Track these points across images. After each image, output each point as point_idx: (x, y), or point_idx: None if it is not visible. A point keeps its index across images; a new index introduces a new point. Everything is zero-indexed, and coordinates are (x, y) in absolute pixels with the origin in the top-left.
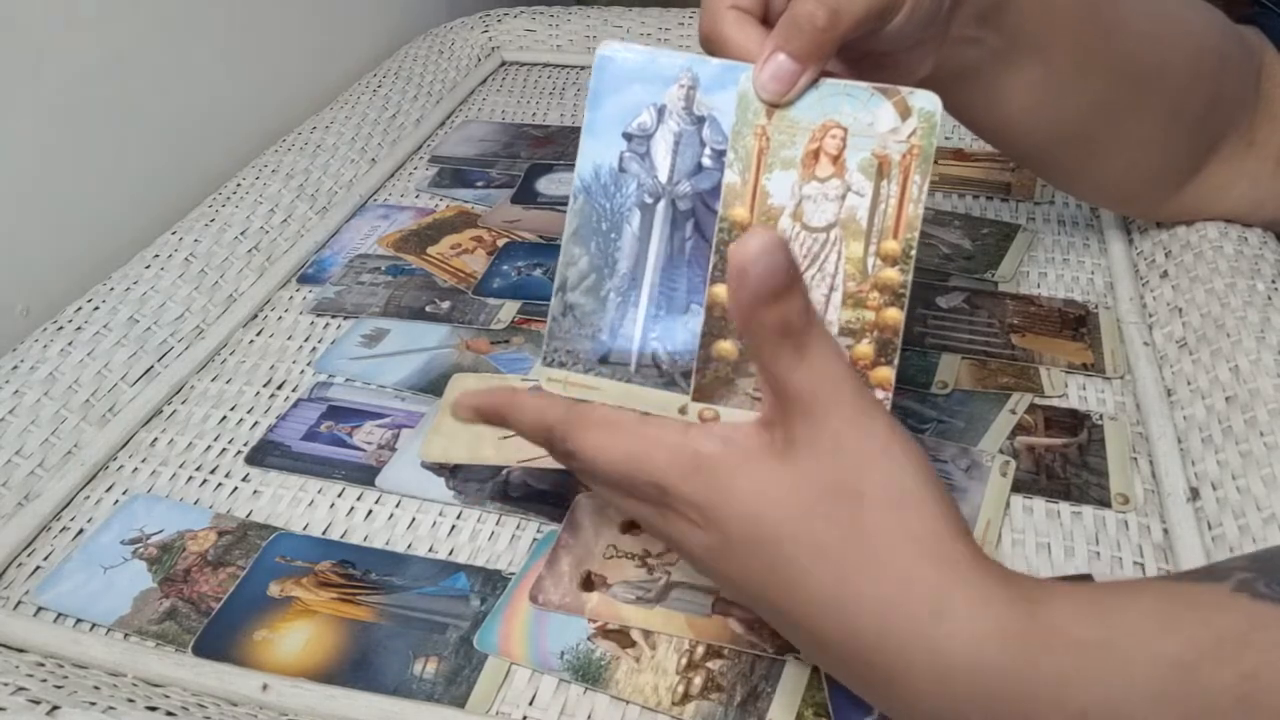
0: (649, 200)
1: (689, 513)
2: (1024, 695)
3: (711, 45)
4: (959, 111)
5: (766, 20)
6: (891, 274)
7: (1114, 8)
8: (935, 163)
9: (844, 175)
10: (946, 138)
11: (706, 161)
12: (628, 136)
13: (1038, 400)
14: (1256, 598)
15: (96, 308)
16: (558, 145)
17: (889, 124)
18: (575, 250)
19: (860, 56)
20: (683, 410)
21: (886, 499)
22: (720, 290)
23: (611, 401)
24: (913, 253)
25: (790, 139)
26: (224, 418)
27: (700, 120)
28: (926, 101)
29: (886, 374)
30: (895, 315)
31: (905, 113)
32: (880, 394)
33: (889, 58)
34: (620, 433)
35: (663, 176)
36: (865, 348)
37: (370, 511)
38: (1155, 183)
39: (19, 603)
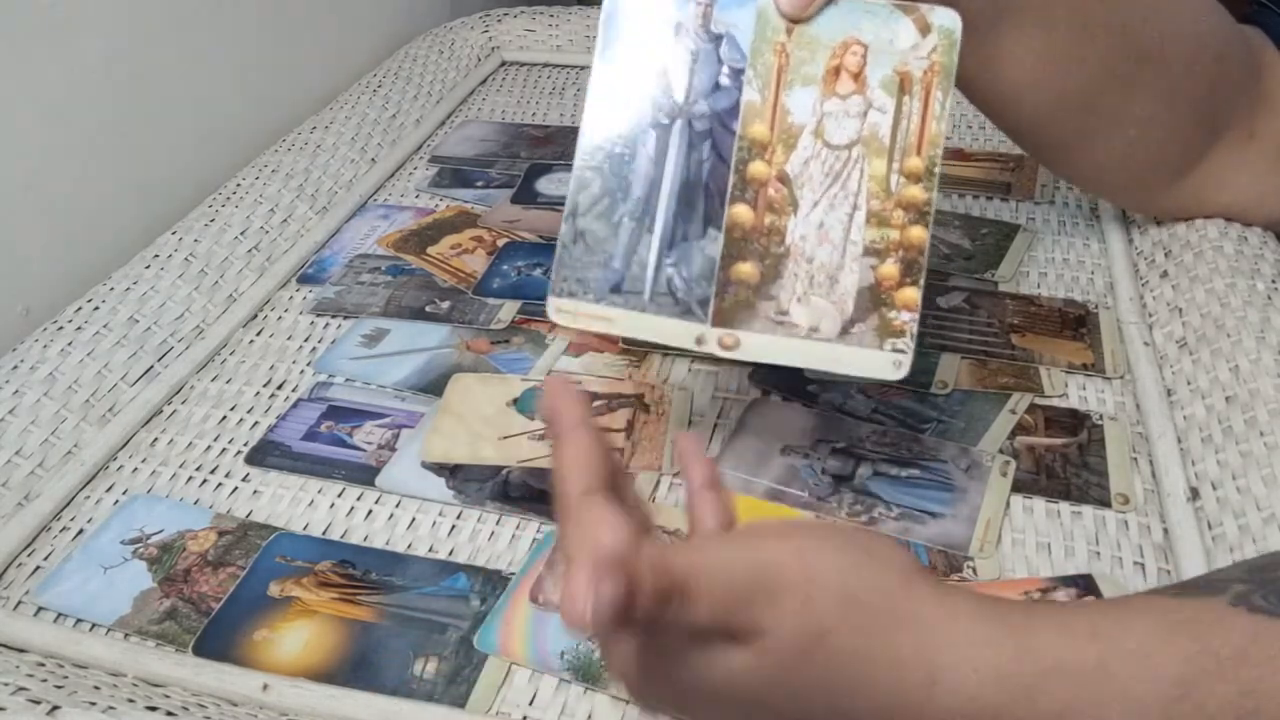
0: (665, 121)
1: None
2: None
3: None
4: (958, 75)
5: None
6: (916, 191)
7: None
8: None
9: (865, 92)
10: (947, 138)
11: (724, 80)
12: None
13: (1038, 400)
14: (1254, 611)
15: (96, 308)
16: (558, 145)
17: (909, 40)
18: (587, 173)
19: None
20: (700, 339)
21: (848, 618)
22: (740, 211)
23: (624, 331)
24: (936, 170)
25: (811, 55)
26: (224, 418)
27: (718, 38)
28: (946, 18)
29: (913, 294)
30: (920, 234)
31: (925, 29)
32: (906, 315)
33: None
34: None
35: (679, 96)
36: (890, 267)
37: (370, 511)
38: (1154, 167)
39: (19, 603)
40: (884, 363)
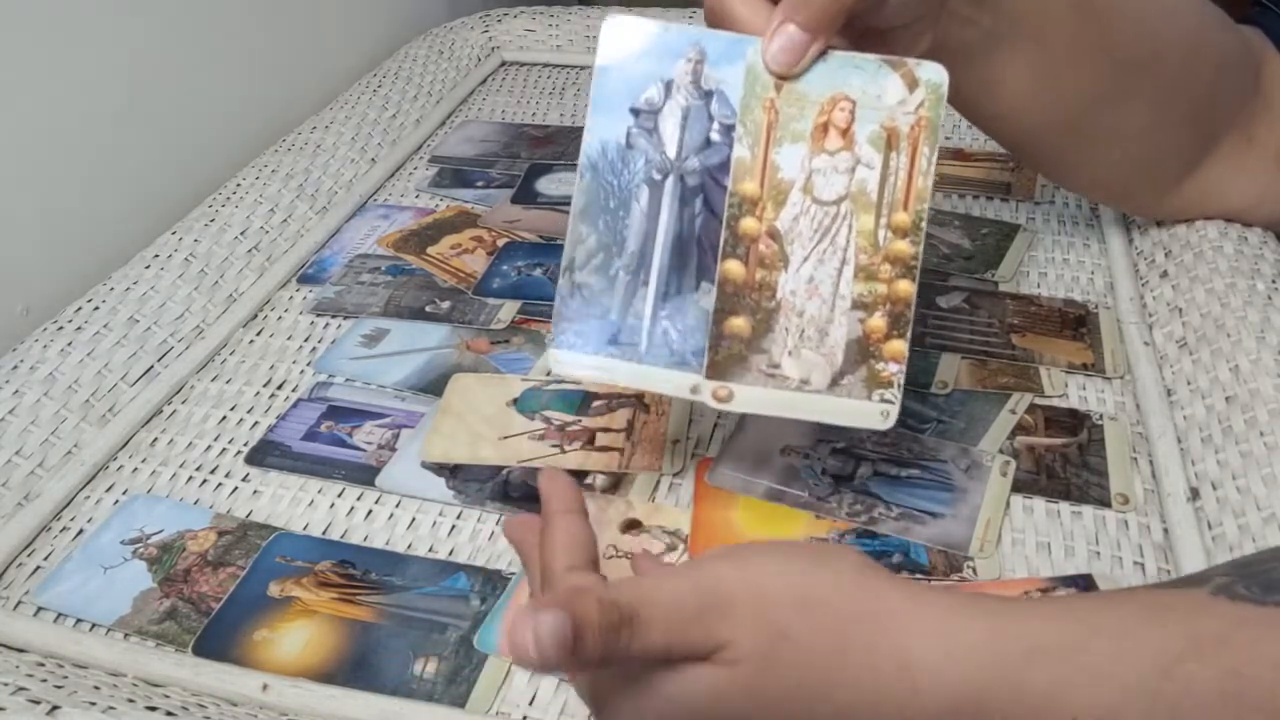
0: (657, 177)
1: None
2: (1017, 715)
3: (717, 18)
4: (954, 96)
5: None
6: (903, 246)
7: (1112, 3)
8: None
9: (853, 148)
10: (947, 138)
11: (715, 136)
12: (635, 112)
13: (1038, 400)
14: (1235, 599)
15: (96, 308)
16: (558, 145)
17: (897, 96)
18: (583, 229)
19: (858, 34)
20: (694, 389)
21: (808, 620)
22: (732, 266)
23: (623, 382)
24: (923, 225)
25: (799, 112)
26: (224, 418)
27: (708, 94)
28: (933, 73)
29: (899, 347)
30: (907, 288)
31: (913, 84)
32: (894, 367)
33: (885, 35)
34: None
35: (671, 152)
36: (878, 321)
37: (370, 511)
38: (1153, 176)
39: (19, 603)
40: (872, 413)
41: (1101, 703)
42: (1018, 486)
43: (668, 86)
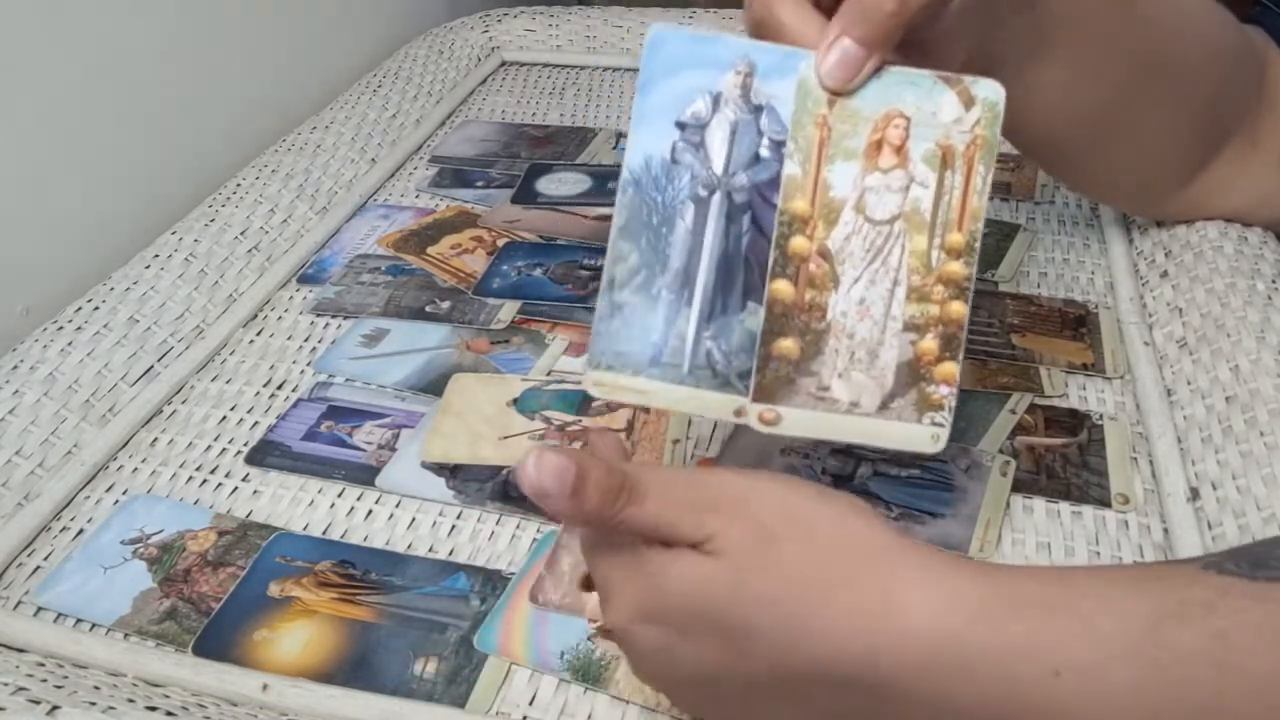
0: (703, 193)
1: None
2: (999, 660)
3: (765, 30)
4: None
5: (817, 5)
6: (956, 267)
7: (1140, 5)
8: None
9: (907, 166)
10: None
11: (764, 152)
12: (681, 125)
13: (1038, 400)
14: (1223, 573)
15: (96, 308)
16: (558, 145)
17: (953, 114)
18: (624, 246)
19: (903, 44)
20: (739, 412)
21: (796, 532)
22: (781, 286)
23: (661, 404)
24: (976, 245)
25: (853, 128)
26: (224, 418)
27: (758, 109)
28: (990, 91)
29: (951, 369)
30: (960, 309)
31: (969, 102)
32: (945, 389)
33: (925, 45)
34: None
35: (718, 168)
36: (929, 343)
37: (370, 511)
38: (1163, 177)
39: (19, 603)
40: (923, 436)
41: (1085, 658)
42: (1018, 486)
43: (716, 100)
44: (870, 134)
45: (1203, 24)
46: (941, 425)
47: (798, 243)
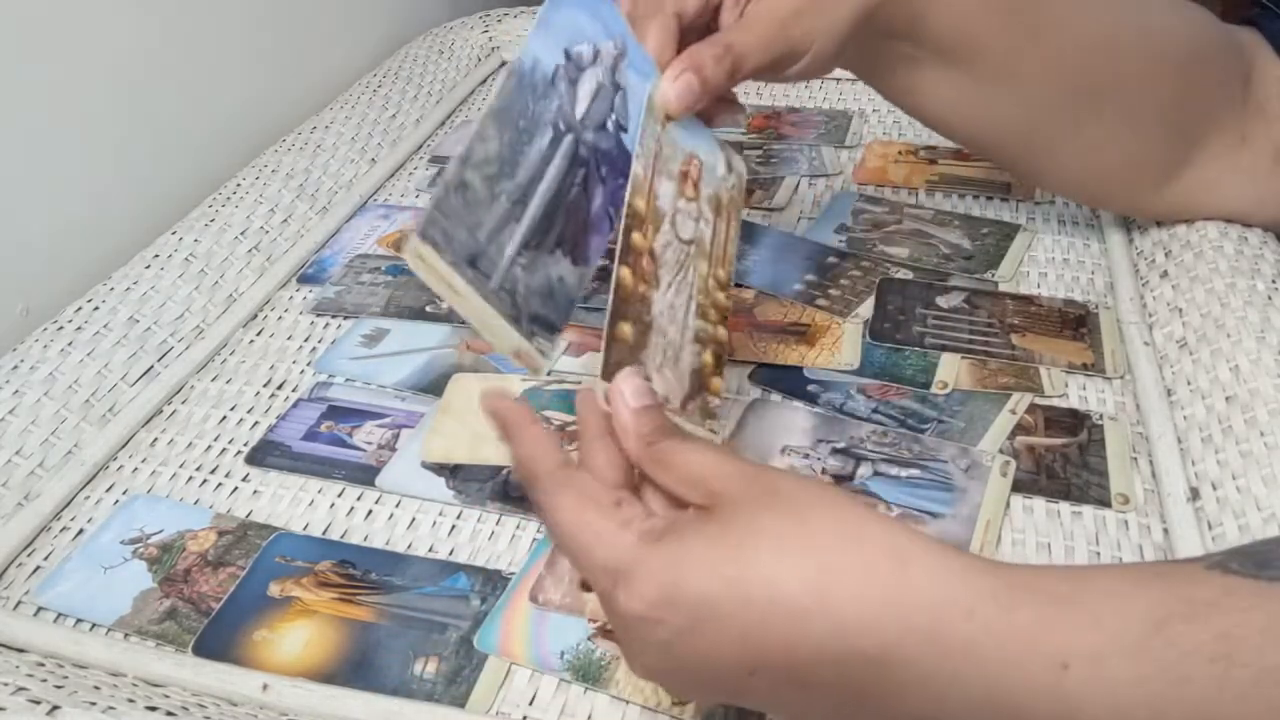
0: (561, 128)
1: (640, 608)
2: (1005, 645)
3: (634, 31)
4: (884, 95)
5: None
6: (720, 296)
7: (1060, 31)
8: (935, 163)
9: (699, 201)
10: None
11: (609, 126)
12: (567, 55)
13: (1038, 400)
14: (1228, 573)
15: (96, 308)
16: None
17: (723, 172)
18: (490, 129)
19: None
20: (517, 354)
21: (815, 499)
22: (625, 273)
23: (461, 310)
24: (730, 284)
25: (673, 154)
26: (224, 418)
27: (618, 88)
28: (740, 165)
29: (719, 384)
30: (724, 334)
31: (729, 168)
32: (716, 401)
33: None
34: (591, 509)
35: (578, 113)
36: (709, 357)
37: (370, 511)
38: (1130, 177)
39: (19, 603)
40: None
41: (1091, 651)
42: (1018, 486)
43: (595, 55)
44: (680, 165)
45: (1141, 31)
46: (716, 433)
47: (636, 238)
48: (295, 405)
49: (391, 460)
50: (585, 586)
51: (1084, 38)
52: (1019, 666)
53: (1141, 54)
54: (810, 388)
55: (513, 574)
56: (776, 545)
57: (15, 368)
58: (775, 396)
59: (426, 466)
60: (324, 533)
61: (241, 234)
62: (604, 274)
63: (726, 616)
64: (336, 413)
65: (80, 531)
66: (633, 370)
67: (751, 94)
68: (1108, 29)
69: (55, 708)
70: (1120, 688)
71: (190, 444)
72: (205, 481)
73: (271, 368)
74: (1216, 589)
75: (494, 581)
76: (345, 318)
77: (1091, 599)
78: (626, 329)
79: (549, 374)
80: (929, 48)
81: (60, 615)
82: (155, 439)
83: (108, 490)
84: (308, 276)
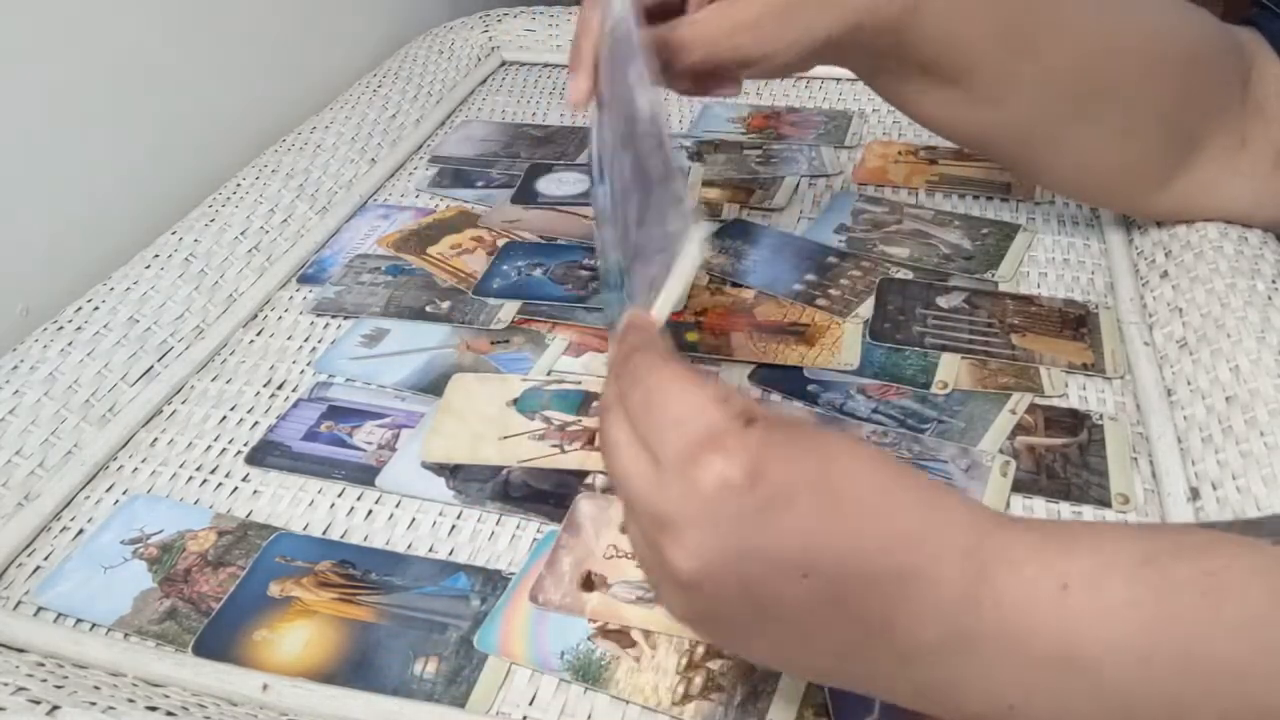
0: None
1: (730, 474)
2: (1016, 564)
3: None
4: (892, 104)
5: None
6: None
7: (1053, 40)
8: (935, 163)
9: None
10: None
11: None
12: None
13: (1038, 400)
14: (1215, 530)
15: (96, 308)
16: (558, 145)
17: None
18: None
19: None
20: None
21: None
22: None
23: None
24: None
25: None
26: (224, 418)
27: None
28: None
29: None
30: None
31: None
32: None
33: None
34: (694, 381)
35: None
36: None
37: (370, 511)
38: (1127, 180)
39: (19, 603)
40: None
41: (1089, 573)
42: (1018, 486)
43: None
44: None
45: (1136, 34)
46: None
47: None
48: (295, 405)
49: (391, 460)
50: (586, 586)
51: (1082, 45)
52: (1026, 584)
53: (1140, 56)
54: (810, 388)
55: (513, 574)
56: (853, 450)
57: (15, 368)
58: (775, 397)
59: (426, 466)
60: (324, 533)
61: (241, 234)
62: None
63: (803, 504)
64: (336, 413)
65: (80, 531)
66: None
67: (752, 94)
68: (1106, 33)
69: (55, 708)
70: (1116, 610)
71: (190, 444)
72: (205, 481)
73: (271, 368)
74: (1204, 538)
75: (494, 581)
76: (345, 318)
77: (1087, 535)
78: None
79: (549, 374)
80: (917, 68)
81: (60, 615)
82: (155, 439)
83: (108, 490)
84: (308, 276)
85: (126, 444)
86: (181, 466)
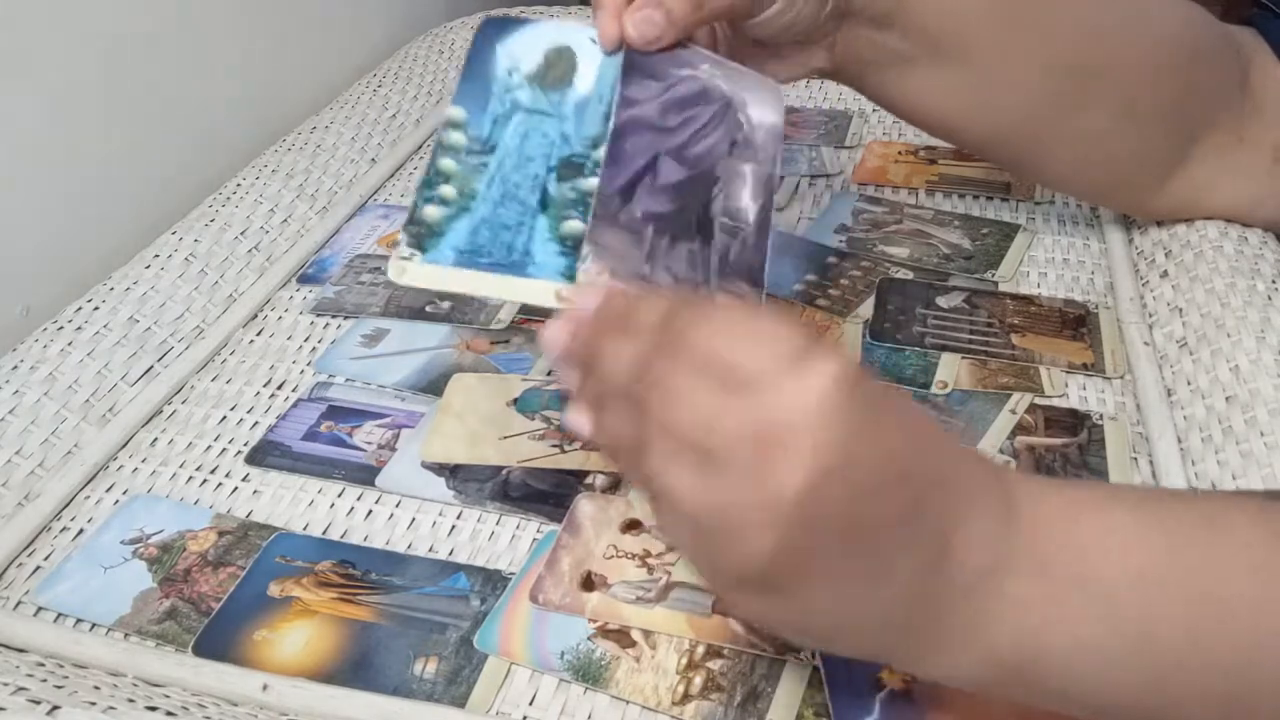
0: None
1: (828, 381)
2: (1031, 494)
3: None
4: (881, 102)
5: None
6: None
7: (1050, 12)
8: (935, 163)
9: None
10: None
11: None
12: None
13: (1038, 400)
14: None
15: (96, 308)
16: None
17: None
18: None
19: (750, 44)
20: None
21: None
22: None
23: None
24: None
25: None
26: (224, 418)
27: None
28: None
29: None
30: None
31: None
32: None
33: (780, 50)
34: (749, 312)
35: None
36: None
37: (370, 511)
38: (1126, 175)
39: (19, 603)
40: None
41: (1099, 499)
42: None
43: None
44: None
45: (1140, 26)
46: None
47: None
48: (295, 405)
49: (391, 460)
50: (585, 586)
51: (1075, 25)
52: (1045, 513)
53: (1136, 48)
54: None
55: (513, 574)
56: (905, 408)
57: (15, 368)
58: None
59: (426, 466)
60: (324, 533)
61: (241, 234)
62: None
63: (897, 408)
64: (336, 413)
65: (80, 531)
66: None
67: None
68: (1100, 17)
69: (55, 708)
70: (1127, 538)
71: (190, 444)
72: (205, 481)
73: (271, 368)
74: (1204, 493)
75: (494, 581)
76: (345, 318)
77: (1086, 484)
78: None
79: (549, 374)
80: (914, 39)
81: (60, 615)
82: (155, 439)
83: (108, 490)
84: (308, 276)
85: (126, 444)
86: (181, 466)
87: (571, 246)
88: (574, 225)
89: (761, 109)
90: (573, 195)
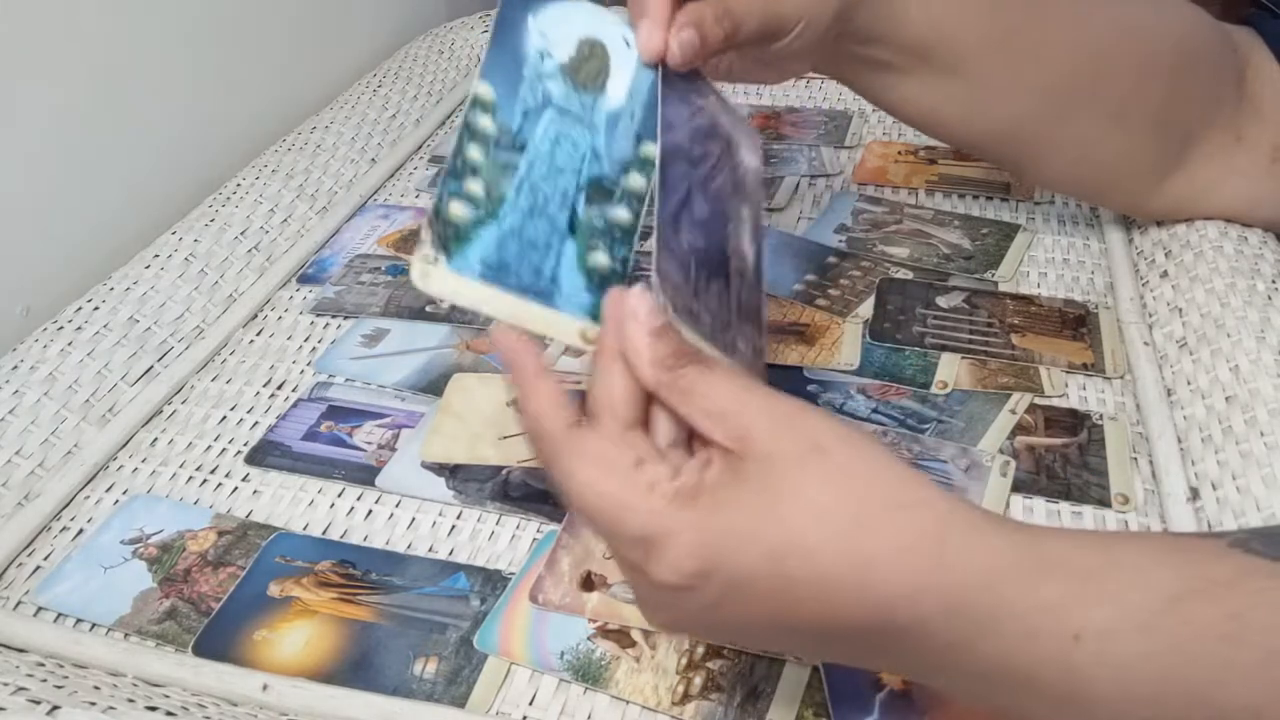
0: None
1: (674, 579)
2: (1025, 617)
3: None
4: (871, 101)
5: None
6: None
7: (1041, 29)
8: (935, 163)
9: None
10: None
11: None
12: None
13: (1038, 400)
14: (1249, 553)
15: (96, 308)
16: None
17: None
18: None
19: (751, 60)
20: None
21: (847, 449)
22: None
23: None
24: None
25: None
26: (224, 418)
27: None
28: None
29: None
30: None
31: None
32: None
33: (768, 61)
34: (612, 477)
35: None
36: None
37: (370, 511)
38: (1122, 177)
39: (19, 603)
40: None
41: (1104, 626)
42: (1018, 486)
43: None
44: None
45: (1132, 30)
46: None
47: None
48: (295, 405)
49: (391, 460)
50: (585, 586)
51: (1070, 33)
52: (1033, 637)
53: (1128, 58)
54: (810, 388)
55: (513, 574)
56: (819, 519)
57: (15, 368)
58: None
59: (426, 466)
60: (324, 533)
61: (241, 234)
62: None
63: (765, 592)
64: (336, 413)
65: (80, 531)
66: (643, 289)
67: (752, 94)
68: (1095, 25)
69: (55, 708)
70: (1128, 661)
71: (190, 444)
72: (205, 481)
73: (271, 368)
74: (1234, 569)
75: (494, 581)
76: (345, 318)
77: (1116, 573)
78: None
79: None
80: (905, 54)
81: (60, 615)
82: (155, 439)
83: (108, 490)
84: (308, 276)
85: (126, 444)
86: (181, 466)
87: (597, 284)
88: (600, 259)
89: (750, 153)
90: (600, 224)
